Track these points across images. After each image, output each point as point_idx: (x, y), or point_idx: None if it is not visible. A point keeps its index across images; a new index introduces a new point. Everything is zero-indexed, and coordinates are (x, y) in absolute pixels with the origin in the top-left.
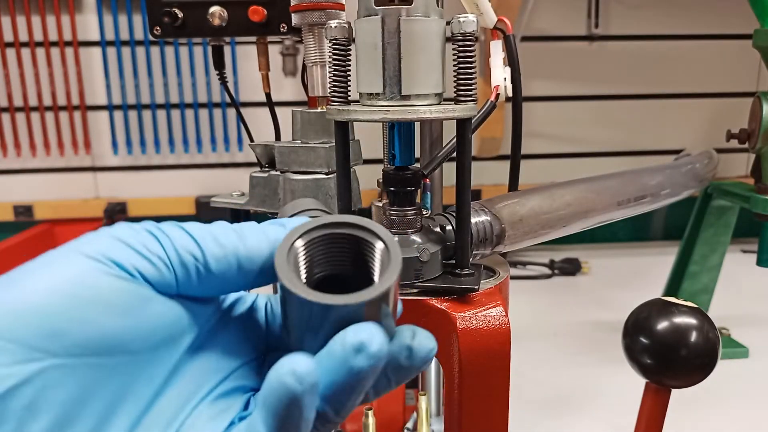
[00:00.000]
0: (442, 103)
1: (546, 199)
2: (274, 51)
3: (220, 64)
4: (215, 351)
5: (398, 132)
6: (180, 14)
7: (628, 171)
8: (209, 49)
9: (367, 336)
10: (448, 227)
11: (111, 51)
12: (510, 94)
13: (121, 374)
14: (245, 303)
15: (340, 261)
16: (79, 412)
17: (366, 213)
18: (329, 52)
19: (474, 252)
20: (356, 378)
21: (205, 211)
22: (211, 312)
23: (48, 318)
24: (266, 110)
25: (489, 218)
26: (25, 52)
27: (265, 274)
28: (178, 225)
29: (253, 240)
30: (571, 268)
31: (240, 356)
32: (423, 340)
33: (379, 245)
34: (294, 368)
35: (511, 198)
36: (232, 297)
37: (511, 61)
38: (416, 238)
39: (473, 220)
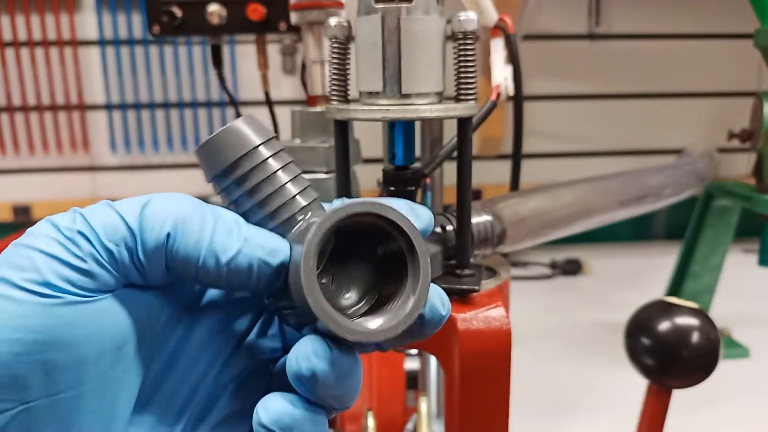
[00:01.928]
0: (443, 101)
1: (547, 199)
2: (273, 49)
3: (218, 63)
4: (183, 356)
5: (398, 131)
6: (179, 13)
7: (630, 171)
8: (208, 47)
9: (302, 363)
10: (449, 227)
11: (110, 50)
12: (511, 93)
13: (92, 398)
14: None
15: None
16: None
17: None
18: (329, 50)
19: (475, 252)
20: (313, 395)
21: None
22: (174, 302)
23: (5, 367)
24: (265, 109)
25: (490, 218)
26: (24, 52)
27: (238, 275)
28: (109, 206)
29: (220, 233)
30: (573, 268)
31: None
32: (435, 305)
33: (413, 260)
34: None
35: (513, 198)
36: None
37: (512, 59)
38: None
39: (474, 220)
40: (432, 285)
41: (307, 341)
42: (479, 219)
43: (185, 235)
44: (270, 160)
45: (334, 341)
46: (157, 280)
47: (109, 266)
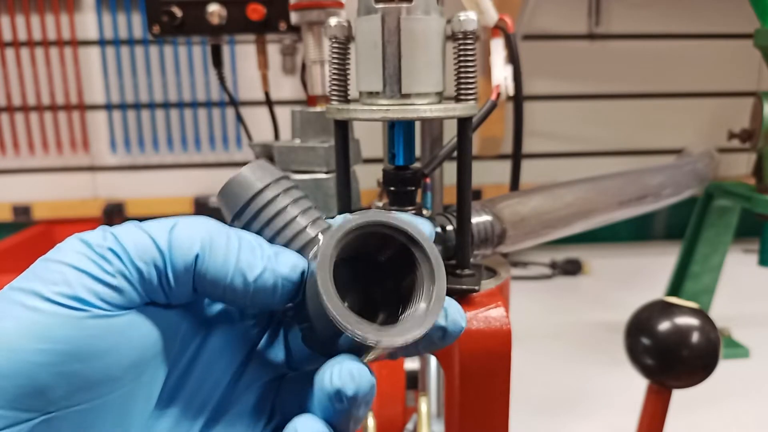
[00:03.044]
0: (443, 101)
1: (547, 199)
2: (273, 49)
3: (218, 63)
4: (199, 366)
5: (398, 131)
6: (179, 13)
7: (630, 171)
8: (208, 47)
9: (347, 381)
10: (449, 227)
11: (110, 50)
12: (511, 93)
13: (111, 409)
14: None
15: (377, 251)
16: None
17: None
18: (329, 50)
19: (475, 252)
20: (342, 415)
21: (204, 211)
22: (190, 316)
23: (28, 378)
24: (265, 109)
25: (490, 218)
26: (24, 52)
27: (264, 292)
28: (138, 227)
29: (244, 254)
30: (573, 268)
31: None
32: (456, 319)
33: (426, 267)
34: None
35: (513, 198)
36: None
37: (512, 59)
38: None
39: (474, 220)
40: (451, 299)
41: (344, 359)
42: (479, 219)
43: (213, 256)
44: (277, 199)
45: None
46: (181, 300)
47: (137, 284)
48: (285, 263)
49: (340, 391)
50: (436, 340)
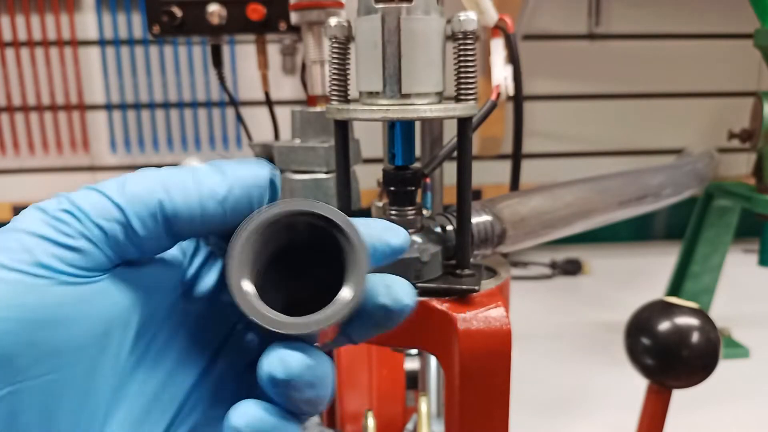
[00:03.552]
0: (443, 101)
1: (547, 199)
2: (273, 50)
3: (218, 63)
4: (177, 338)
5: (398, 131)
6: (179, 13)
7: (630, 171)
8: (208, 47)
9: (275, 366)
10: (449, 227)
11: (109, 50)
12: (511, 93)
13: (77, 378)
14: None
15: (298, 240)
16: (50, 427)
17: (366, 213)
18: (329, 50)
19: (475, 252)
20: (284, 398)
21: None
22: (172, 275)
23: None
24: (265, 109)
25: (490, 218)
26: (24, 52)
27: (238, 210)
28: (92, 189)
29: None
30: (573, 268)
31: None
32: (398, 297)
33: (345, 242)
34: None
35: (513, 198)
36: (197, 261)
37: (512, 59)
38: (417, 238)
39: (474, 220)
40: (395, 277)
41: (278, 345)
42: (479, 219)
43: (176, 194)
44: None
45: (304, 342)
46: (157, 249)
47: (99, 243)
48: (247, 173)
49: (271, 376)
50: (380, 320)
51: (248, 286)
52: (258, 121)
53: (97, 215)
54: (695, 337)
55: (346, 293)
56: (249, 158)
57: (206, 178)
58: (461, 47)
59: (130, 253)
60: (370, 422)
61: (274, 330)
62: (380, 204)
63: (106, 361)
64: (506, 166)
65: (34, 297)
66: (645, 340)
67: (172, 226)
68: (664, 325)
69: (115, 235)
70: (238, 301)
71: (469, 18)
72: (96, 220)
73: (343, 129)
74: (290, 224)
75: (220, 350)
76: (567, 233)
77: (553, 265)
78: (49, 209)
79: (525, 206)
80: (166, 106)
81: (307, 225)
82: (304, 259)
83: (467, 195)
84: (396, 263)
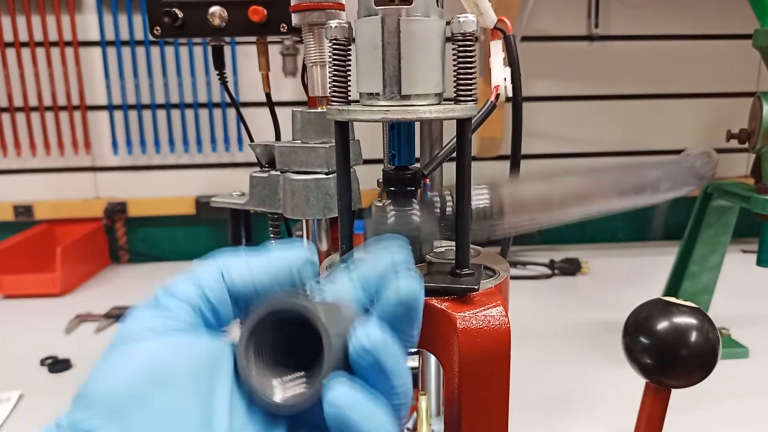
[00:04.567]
0: (442, 103)
1: (546, 183)
2: (274, 51)
3: (220, 64)
4: None
5: (398, 132)
6: (180, 14)
7: (629, 163)
8: (209, 48)
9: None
10: (449, 203)
11: (111, 51)
12: (510, 94)
13: (195, 395)
14: None
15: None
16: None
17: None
18: (329, 52)
19: (474, 228)
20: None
21: (205, 211)
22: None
23: (134, 390)
24: (266, 110)
25: (489, 200)
26: (25, 52)
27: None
28: (180, 277)
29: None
30: (571, 268)
31: None
32: (407, 289)
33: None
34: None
35: (511, 182)
36: None
37: (511, 61)
38: (415, 211)
39: (473, 201)
40: (401, 280)
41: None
42: (479, 201)
43: (234, 270)
44: None
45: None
46: (228, 317)
47: (192, 313)
48: (289, 251)
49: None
50: (405, 312)
51: (255, 379)
52: (259, 122)
53: (184, 294)
54: (694, 336)
55: (315, 385)
56: (294, 240)
57: (254, 255)
58: (461, 49)
59: (211, 322)
60: None
61: (265, 401)
62: (380, 204)
63: (217, 387)
64: (505, 166)
65: (156, 350)
66: (643, 340)
67: (234, 294)
68: (662, 325)
69: (198, 305)
70: (252, 395)
71: (468, 20)
72: (184, 297)
73: (343, 130)
74: (277, 315)
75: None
76: (564, 219)
77: (552, 265)
78: (151, 302)
79: (524, 188)
80: (167, 106)
81: (288, 312)
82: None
83: (466, 196)
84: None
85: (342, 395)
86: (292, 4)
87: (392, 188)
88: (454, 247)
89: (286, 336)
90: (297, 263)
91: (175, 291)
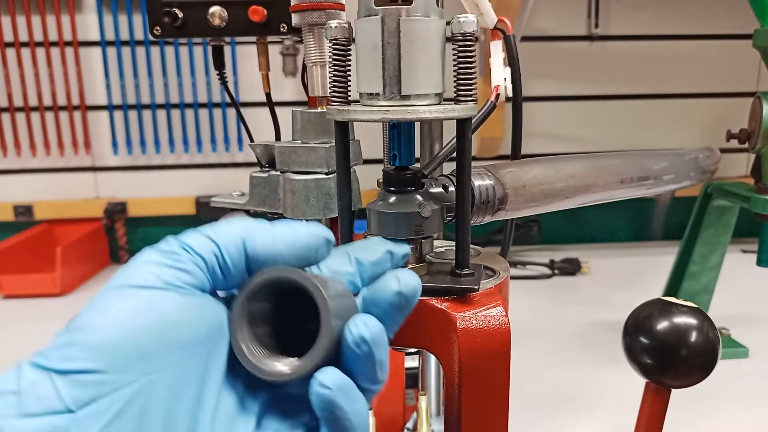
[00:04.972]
0: (442, 103)
1: (549, 169)
2: (274, 51)
3: (220, 64)
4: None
5: (398, 132)
6: (180, 14)
7: (632, 152)
8: (209, 48)
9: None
10: (450, 188)
11: (111, 51)
12: (510, 94)
13: (195, 371)
14: None
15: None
16: (176, 410)
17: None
18: (329, 52)
19: (477, 219)
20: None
21: (205, 211)
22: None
23: (135, 345)
24: (266, 110)
25: (492, 182)
26: (25, 52)
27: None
28: (195, 231)
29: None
30: (571, 268)
31: None
32: (408, 281)
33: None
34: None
35: (514, 165)
36: None
37: (511, 61)
38: (417, 195)
39: (476, 182)
40: (403, 270)
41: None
42: (481, 182)
43: (258, 236)
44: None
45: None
46: (236, 282)
47: (202, 268)
48: (310, 228)
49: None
50: (401, 304)
51: (246, 344)
52: (259, 122)
53: (200, 249)
54: (694, 336)
55: (312, 356)
56: (312, 222)
57: (279, 227)
58: (461, 49)
59: (220, 282)
60: (371, 421)
61: (260, 377)
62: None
63: (214, 361)
64: None
65: (165, 305)
66: (643, 339)
67: (252, 262)
68: (662, 325)
69: (212, 263)
70: (240, 358)
71: (468, 20)
72: (199, 251)
73: (343, 130)
74: (278, 286)
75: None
76: (566, 206)
77: (552, 265)
78: (164, 247)
79: (527, 173)
80: (167, 106)
81: (291, 283)
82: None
83: (466, 195)
84: (396, 218)
85: (334, 379)
86: (292, 4)
87: (392, 188)
88: (454, 247)
89: (281, 309)
90: (318, 242)
91: (192, 243)
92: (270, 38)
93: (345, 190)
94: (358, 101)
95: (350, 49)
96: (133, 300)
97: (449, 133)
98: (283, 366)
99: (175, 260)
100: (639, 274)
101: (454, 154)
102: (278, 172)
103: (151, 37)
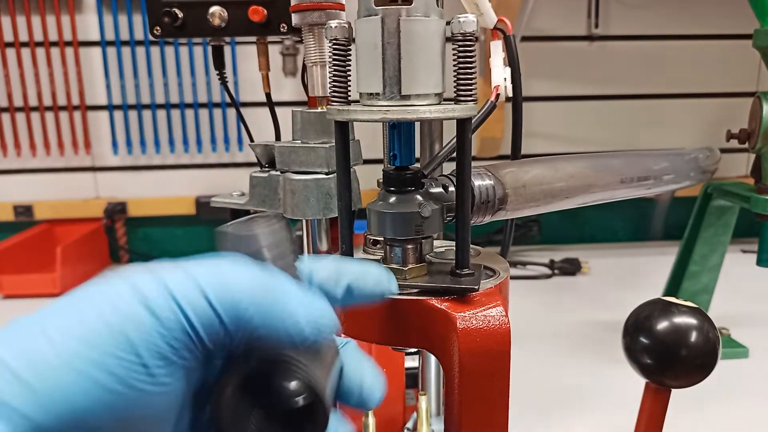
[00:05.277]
0: (442, 103)
1: (549, 169)
2: (274, 51)
3: (220, 64)
4: None
5: (398, 132)
6: (180, 14)
7: (632, 152)
8: (209, 48)
9: None
10: (450, 188)
11: (111, 51)
12: (510, 94)
13: None
14: None
15: None
16: None
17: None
18: (329, 52)
19: (478, 219)
20: None
21: (205, 211)
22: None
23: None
24: (266, 110)
25: (492, 182)
26: (25, 52)
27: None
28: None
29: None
30: (571, 268)
31: None
32: (369, 395)
33: None
34: None
35: (514, 165)
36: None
37: (511, 61)
38: (417, 195)
39: (476, 182)
40: (366, 378)
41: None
42: (482, 182)
43: (258, 314)
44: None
45: None
46: (222, 351)
47: (197, 356)
48: (320, 309)
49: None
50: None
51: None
52: (259, 122)
53: (203, 331)
54: (694, 336)
55: None
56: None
57: (289, 306)
58: (461, 49)
59: (205, 355)
60: (371, 421)
61: None
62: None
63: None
64: None
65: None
66: (643, 339)
67: (241, 333)
68: (662, 324)
69: (210, 348)
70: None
71: (468, 20)
72: (204, 338)
73: (343, 130)
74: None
75: None
76: (567, 206)
77: (552, 265)
78: (159, 311)
79: (527, 173)
80: (167, 106)
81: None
82: None
83: (466, 195)
84: (396, 218)
85: None
86: (292, 4)
87: (392, 188)
88: (454, 247)
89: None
90: (330, 325)
91: (181, 299)
92: (270, 38)
93: (345, 190)
94: (358, 101)
95: (350, 49)
96: (97, 388)
97: (449, 133)
98: None
99: (168, 345)
100: (639, 274)
101: (454, 154)
102: (278, 172)
103: (151, 37)
